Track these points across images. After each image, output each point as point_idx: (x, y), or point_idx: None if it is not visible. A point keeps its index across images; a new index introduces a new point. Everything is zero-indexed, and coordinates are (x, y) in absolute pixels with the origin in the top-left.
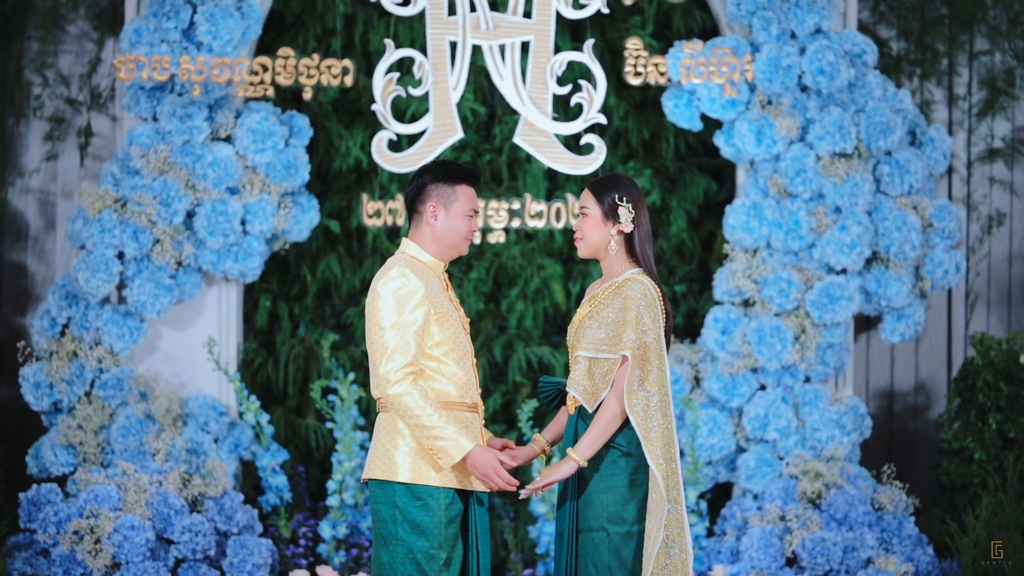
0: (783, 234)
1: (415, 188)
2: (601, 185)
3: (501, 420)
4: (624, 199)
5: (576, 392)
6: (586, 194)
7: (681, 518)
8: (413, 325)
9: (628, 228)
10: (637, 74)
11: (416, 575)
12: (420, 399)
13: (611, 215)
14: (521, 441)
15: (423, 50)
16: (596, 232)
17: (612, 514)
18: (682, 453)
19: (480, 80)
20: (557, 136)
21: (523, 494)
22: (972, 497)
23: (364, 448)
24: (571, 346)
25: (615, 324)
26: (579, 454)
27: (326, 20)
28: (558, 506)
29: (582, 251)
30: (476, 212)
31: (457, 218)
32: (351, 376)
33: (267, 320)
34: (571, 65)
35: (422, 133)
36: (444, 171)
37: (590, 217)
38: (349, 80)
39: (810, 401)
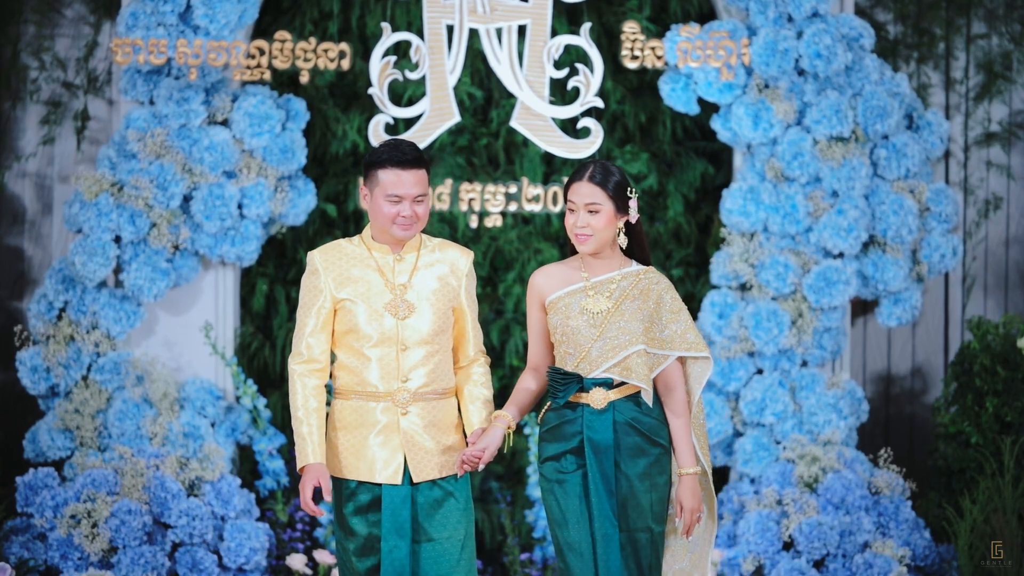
0: (780, 218)
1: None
2: (606, 178)
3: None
4: (632, 190)
5: (642, 384)
6: (593, 190)
7: None
8: (308, 312)
9: (635, 217)
10: (634, 58)
11: (340, 564)
12: (301, 393)
13: (622, 207)
14: (519, 428)
15: (420, 33)
16: (609, 228)
17: (657, 513)
18: None
19: (477, 64)
20: (554, 120)
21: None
22: (969, 481)
23: None
24: (601, 339)
25: (673, 323)
26: (693, 465)
27: (323, 3)
28: (590, 507)
29: (589, 247)
30: (400, 197)
31: (379, 202)
32: None
33: (264, 304)
34: (568, 49)
35: (419, 117)
36: (372, 154)
37: (603, 213)
38: (346, 64)
39: (807, 385)
